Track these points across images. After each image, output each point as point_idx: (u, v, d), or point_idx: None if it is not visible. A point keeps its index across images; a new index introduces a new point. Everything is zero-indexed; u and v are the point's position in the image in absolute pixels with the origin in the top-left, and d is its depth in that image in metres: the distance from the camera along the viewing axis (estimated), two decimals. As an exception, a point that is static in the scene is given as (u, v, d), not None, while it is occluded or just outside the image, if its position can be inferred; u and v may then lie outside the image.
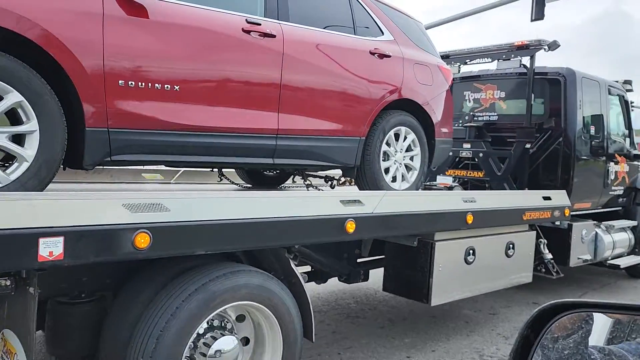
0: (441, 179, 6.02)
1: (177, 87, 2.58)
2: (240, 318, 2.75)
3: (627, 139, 6.54)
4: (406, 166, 3.96)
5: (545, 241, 5.34)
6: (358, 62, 3.50)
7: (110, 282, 2.65)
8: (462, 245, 3.97)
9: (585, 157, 5.68)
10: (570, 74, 5.47)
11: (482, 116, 6.14)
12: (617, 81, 6.61)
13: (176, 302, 2.35)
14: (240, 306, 2.63)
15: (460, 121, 6.18)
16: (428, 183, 5.82)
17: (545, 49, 5.37)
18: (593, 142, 5.74)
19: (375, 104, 3.60)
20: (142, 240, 2.12)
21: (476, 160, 5.85)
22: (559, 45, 5.35)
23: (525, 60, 5.52)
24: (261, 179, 4.65)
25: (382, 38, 3.82)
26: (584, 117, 5.54)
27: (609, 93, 6.08)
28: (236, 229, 2.42)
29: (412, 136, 3.93)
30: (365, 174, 3.68)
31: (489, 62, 5.84)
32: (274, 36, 3.00)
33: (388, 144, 3.79)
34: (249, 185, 4.56)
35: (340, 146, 3.44)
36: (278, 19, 3.12)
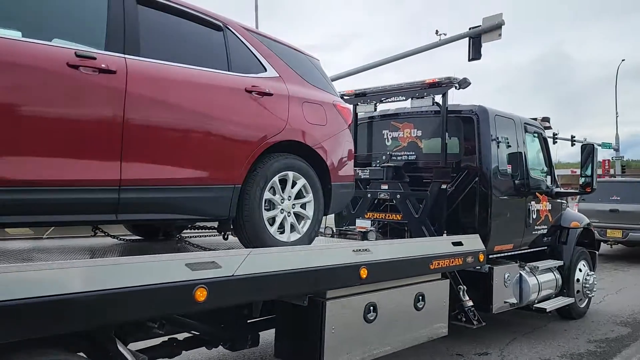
0: (360, 223, 5.66)
1: (-35, 134, 2.10)
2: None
3: (549, 177, 6.43)
4: (297, 215, 3.56)
5: (465, 287, 5.03)
6: (228, 101, 3.12)
7: None
8: (361, 301, 3.57)
9: (503, 197, 5.47)
10: (483, 111, 5.32)
11: (401, 155, 5.89)
12: (535, 118, 6.55)
13: None
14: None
15: (378, 161, 5.91)
16: (344, 228, 5.46)
17: (456, 87, 5.21)
18: (511, 181, 5.57)
19: (253, 147, 3.21)
20: None
21: (394, 202, 5.55)
22: (470, 83, 5.21)
23: (439, 98, 5.35)
24: (151, 229, 4.14)
25: (264, 75, 3.47)
26: (499, 155, 5.37)
27: (526, 130, 5.97)
28: (27, 310, 1.91)
29: (302, 181, 3.55)
30: (244, 226, 3.24)
31: (403, 100, 5.64)
32: (113, 72, 2.58)
33: (273, 191, 3.40)
34: (136, 238, 4.03)
35: (208, 196, 3.01)
36: (124, 53, 2.71)
